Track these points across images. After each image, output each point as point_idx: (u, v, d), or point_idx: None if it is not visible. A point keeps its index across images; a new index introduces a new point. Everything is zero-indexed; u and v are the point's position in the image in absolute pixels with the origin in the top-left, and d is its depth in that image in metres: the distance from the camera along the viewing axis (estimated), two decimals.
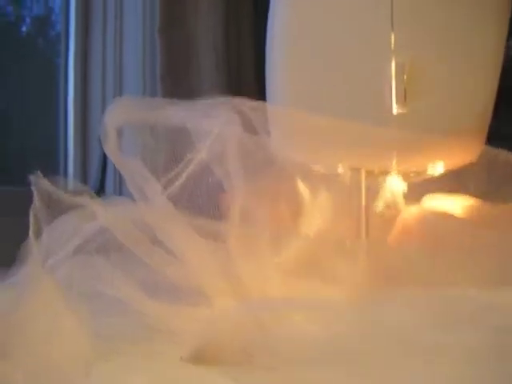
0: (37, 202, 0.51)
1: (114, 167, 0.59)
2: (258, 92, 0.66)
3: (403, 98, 0.56)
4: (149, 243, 0.52)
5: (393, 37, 0.57)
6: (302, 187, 0.60)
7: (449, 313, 0.42)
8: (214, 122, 0.57)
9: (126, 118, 0.57)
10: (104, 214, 0.53)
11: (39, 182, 0.53)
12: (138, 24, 1.50)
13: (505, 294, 0.44)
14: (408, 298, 0.45)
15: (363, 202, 0.61)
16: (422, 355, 0.38)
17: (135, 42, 1.51)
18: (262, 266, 0.53)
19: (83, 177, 1.60)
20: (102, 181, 1.46)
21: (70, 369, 0.40)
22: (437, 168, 0.61)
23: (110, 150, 0.56)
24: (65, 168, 1.61)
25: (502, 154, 0.58)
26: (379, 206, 0.60)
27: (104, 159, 1.33)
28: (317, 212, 0.60)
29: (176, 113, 0.57)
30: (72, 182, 1.63)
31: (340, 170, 0.60)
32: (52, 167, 1.63)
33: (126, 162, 0.57)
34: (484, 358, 0.37)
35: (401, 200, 0.60)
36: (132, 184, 0.56)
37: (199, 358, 0.46)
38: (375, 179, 0.61)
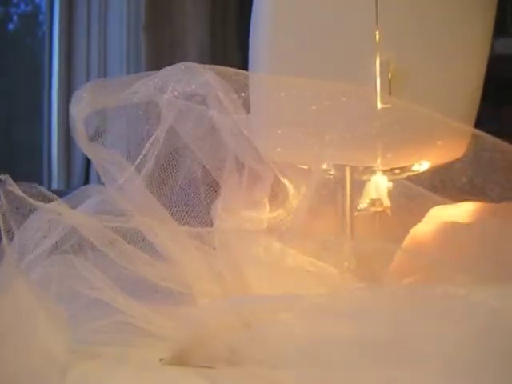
0: (4, 203, 0.50)
1: None
2: None
3: (388, 95, 0.56)
4: (123, 242, 0.52)
5: (377, 33, 0.57)
6: (285, 182, 0.59)
7: (431, 313, 0.42)
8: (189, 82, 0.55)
9: (93, 104, 0.56)
10: (71, 216, 0.52)
11: (5, 184, 0.51)
12: (123, 20, 1.49)
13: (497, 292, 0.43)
14: (391, 296, 0.45)
15: (348, 199, 0.60)
16: (399, 363, 0.38)
17: (119, 37, 1.50)
18: (246, 262, 0.53)
19: (67, 173, 1.58)
20: (86, 177, 1.45)
21: (44, 371, 0.39)
22: (422, 165, 0.61)
23: (79, 139, 0.55)
24: (49, 164, 1.60)
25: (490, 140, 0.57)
26: (364, 203, 0.60)
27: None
28: (300, 208, 0.59)
29: (144, 86, 0.56)
30: (56, 178, 1.62)
31: (324, 166, 0.60)
32: (36, 163, 1.62)
33: (97, 151, 0.56)
34: (463, 368, 0.37)
35: (385, 197, 0.60)
36: (104, 174, 0.55)
37: (180, 359, 0.45)
38: (360, 176, 0.61)
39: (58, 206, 0.52)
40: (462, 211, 0.57)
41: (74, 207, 0.54)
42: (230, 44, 1.42)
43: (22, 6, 1.64)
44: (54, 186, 1.61)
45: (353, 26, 0.58)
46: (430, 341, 0.39)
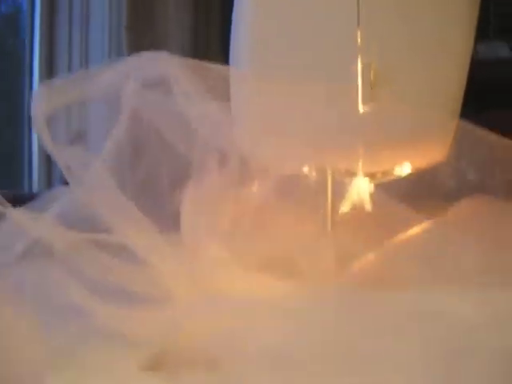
0: None
1: None
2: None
3: (369, 98, 0.56)
4: (90, 247, 0.51)
5: (359, 35, 0.56)
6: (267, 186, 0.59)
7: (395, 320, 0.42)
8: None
9: (55, 101, 0.55)
10: (33, 226, 0.51)
11: None
12: (104, 22, 1.48)
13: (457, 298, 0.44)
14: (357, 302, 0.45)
15: (329, 202, 0.60)
16: (361, 368, 0.38)
17: (101, 40, 1.49)
18: (223, 263, 0.52)
19: (48, 176, 1.57)
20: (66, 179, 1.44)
21: (21, 378, 0.39)
22: (404, 168, 0.61)
23: (42, 138, 0.54)
24: (29, 167, 1.59)
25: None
26: (346, 205, 0.60)
27: None
28: (282, 211, 0.59)
29: (107, 77, 0.55)
30: (37, 181, 1.61)
31: (306, 170, 0.59)
32: (16, 167, 1.60)
33: (60, 150, 0.55)
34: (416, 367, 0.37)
35: (367, 200, 0.59)
36: (67, 172, 0.54)
37: (157, 364, 0.45)
38: (342, 179, 0.60)
39: (22, 214, 0.51)
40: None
41: (42, 210, 0.53)
42: (212, 48, 1.42)
43: (3, 7, 1.63)
44: (35, 189, 1.59)
45: (334, 28, 0.58)
46: (396, 347, 0.39)
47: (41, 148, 1.54)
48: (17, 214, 0.53)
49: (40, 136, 0.55)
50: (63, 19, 1.52)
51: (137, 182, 0.56)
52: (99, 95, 0.56)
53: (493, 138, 0.52)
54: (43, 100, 0.55)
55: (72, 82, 0.56)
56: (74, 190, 0.55)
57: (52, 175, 1.56)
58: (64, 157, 0.55)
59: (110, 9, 1.46)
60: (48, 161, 1.56)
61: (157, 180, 0.56)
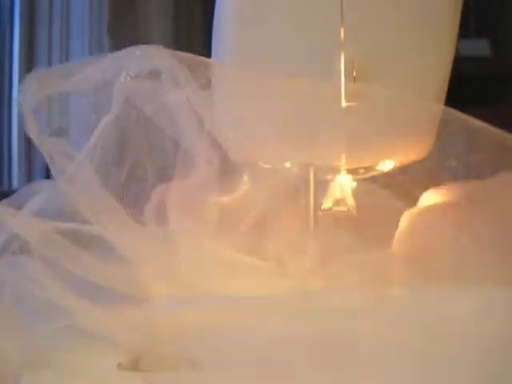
0: None
1: None
2: None
3: (352, 95, 0.55)
4: (72, 247, 0.50)
5: (342, 31, 0.56)
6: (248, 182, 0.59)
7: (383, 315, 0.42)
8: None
9: (42, 93, 0.54)
10: (15, 222, 0.50)
11: None
12: (85, 24, 1.47)
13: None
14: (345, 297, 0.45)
15: (312, 199, 0.60)
16: (348, 364, 0.38)
17: (81, 42, 1.47)
18: (206, 260, 0.52)
19: (28, 172, 1.56)
20: (47, 175, 1.42)
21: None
22: (386, 164, 0.60)
23: (30, 130, 0.54)
24: (9, 162, 1.57)
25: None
26: (328, 202, 0.59)
27: None
28: (263, 207, 0.58)
29: (96, 70, 0.54)
30: (17, 177, 1.59)
31: (288, 165, 0.59)
32: None
33: (48, 143, 0.54)
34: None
35: (350, 197, 0.59)
36: (53, 166, 0.54)
37: (137, 363, 0.44)
38: (324, 175, 0.60)
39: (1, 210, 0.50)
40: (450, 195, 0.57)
41: (21, 205, 0.53)
42: (194, 47, 1.42)
43: None
44: (15, 184, 1.58)
45: (317, 23, 0.57)
46: (381, 343, 0.39)
47: (20, 143, 1.52)
48: None
49: (26, 126, 0.54)
50: (43, 15, 1.50)
51: (122, 175, 0.55)
52: (87, 88, 0.55)
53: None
54: (30, 91, 0.54)
55: (60, 75, 0.55)
56: (56, 182, 0.54)
57: (32, 172, 1.55)
58: (49, 148, 0.54)
59: (90, 10, 1.45)
60: (28, 155, 1.55)
61: (142, 172, 0.56)
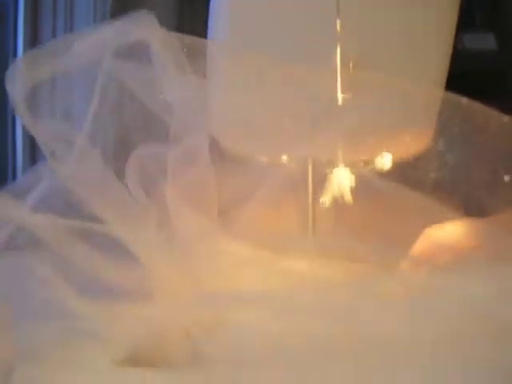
0: None
1: None
2: None
3: (349, 87, 0.55)
4: (75, 241, 0.50)
5: (338, 23, 0.56)
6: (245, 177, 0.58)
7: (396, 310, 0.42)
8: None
9: (32, 76, 0.54)
10: (19, 215, 0.50)
11: None
12: (90, 9, 1.47)
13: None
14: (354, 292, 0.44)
15: (310, 193, 0.59)
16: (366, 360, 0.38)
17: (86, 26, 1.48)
18: (211, 256, 0.52)
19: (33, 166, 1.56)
20: None
21: None
22: (385, 158, 0.60)
23: (22, 117, 0.53)
24: (13, 158, 1.58)
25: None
26: (326, 197, 0.59)
27: None
28: (262, 204, 0.58)
29: (84, 47, 0.53)
30: (21, 172, 1.59)
31: (284, 160, 0.58)
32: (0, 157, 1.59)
33: (43, 129, 0.53)
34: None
35: (347, 191, 0.59)
36: (48, 153, 0.53)
37: (135, 359, 0.44)
38: (322, 170, 0.60)
39: (5, 201, 0.50)
40: (459, 231, 0.55)
41: (25, 192, 0.52)
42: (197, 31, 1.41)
43: None
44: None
45: (313, 16, 0.57)
46: (401, 339, 0.39)
47: (25, 138, 1.53)
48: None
49: (19, 115, 0.53)
50: (48, 9, 1.51)
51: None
52: (76, 68, 0.54)
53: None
54: (19, 75, 0.53)
55: (47, 55, 0.54)
56: (56, 172, 0.54)
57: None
58: (46, 136, 0.53)
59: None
60: (32, 150, 1.55)
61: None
